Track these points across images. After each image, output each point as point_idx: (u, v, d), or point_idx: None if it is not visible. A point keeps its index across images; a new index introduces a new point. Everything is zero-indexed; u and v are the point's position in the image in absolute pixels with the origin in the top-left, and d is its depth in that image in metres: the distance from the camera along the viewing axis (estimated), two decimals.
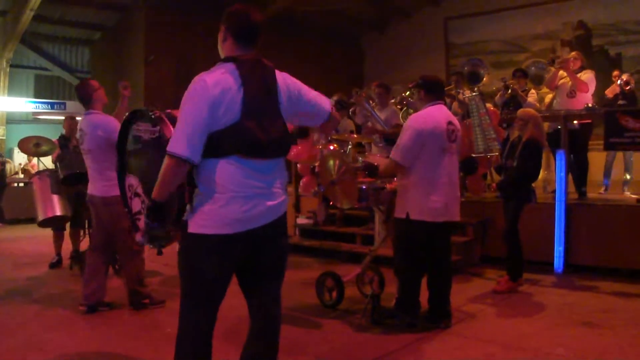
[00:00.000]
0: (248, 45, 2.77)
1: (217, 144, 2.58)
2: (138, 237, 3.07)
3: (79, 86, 5.66)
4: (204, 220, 2.63)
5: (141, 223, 3.04)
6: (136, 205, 3.17)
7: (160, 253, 2.93)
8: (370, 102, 7.63)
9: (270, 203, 2.72)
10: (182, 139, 2.53)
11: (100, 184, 5.32)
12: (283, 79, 2.84)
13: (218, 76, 2.61)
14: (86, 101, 5.45)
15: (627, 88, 8.91)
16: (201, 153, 2.56)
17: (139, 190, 3.13)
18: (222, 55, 2.80)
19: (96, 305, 5.43)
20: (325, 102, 3.04)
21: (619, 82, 9.03)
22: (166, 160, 2.56)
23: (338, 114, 3.18)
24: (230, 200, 2.61)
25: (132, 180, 3.25)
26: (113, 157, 5.03)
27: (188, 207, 2.71)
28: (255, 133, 2.60)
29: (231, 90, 2.58)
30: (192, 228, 2.66)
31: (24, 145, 7.92)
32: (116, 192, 5.07)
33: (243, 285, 2.89)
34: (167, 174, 2.57)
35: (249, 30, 2.78)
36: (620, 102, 8.89)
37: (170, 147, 2.55)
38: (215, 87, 2.55)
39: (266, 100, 2.70)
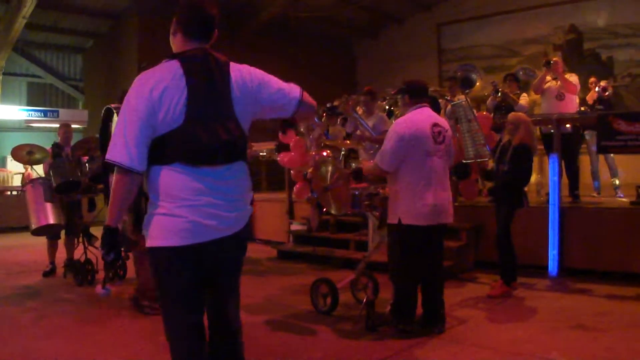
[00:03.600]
0: (199, 41, 2.58)
1: (160, 150, 2.42)
2: (98, 289, 3.03)
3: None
4: (155, 231, 2.49)
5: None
6: None
7: (126, 257, 2.88)
8: (358, 109, 7.65)
9: (226, 214, 2.53)
10: (120, 147, 2.36)
11: None
12: (239, 71, 2.63)
13: (158, 76, 2.44)
14: None
15: (606, 94, 8.97)
16: (145, 159, 2.40)
17: None
18: (173, 49, 2.62)
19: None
20: (294, 91, 2.79)
21: (597, 89, 9.09)
22: (114, 175, 2.41)
23: (313, 101, 2.95)
24: (176, 209, 2.43)
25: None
26: None
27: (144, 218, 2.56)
28: (200, 138, 2.41)
29: (173, 91, 2.40)
30: (148, 241, 2.53)
31: (16, 154, 7.88)
32: None
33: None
34: (116, 188, 2.40)
35: (202, 24, 2.59)
36: (598, 107, 8.95)
37: (108, 155, 2.39)
38: (154, 88, 2.38)
39: (214, 99, 2.49)
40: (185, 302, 2.59)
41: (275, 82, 2.75)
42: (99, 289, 2.96)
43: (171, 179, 2.44)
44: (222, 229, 2.53)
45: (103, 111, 3.35)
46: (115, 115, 3.15)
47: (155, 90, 2.38)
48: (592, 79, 9.50)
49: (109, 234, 2.47)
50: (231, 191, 2.55)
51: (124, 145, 2.36)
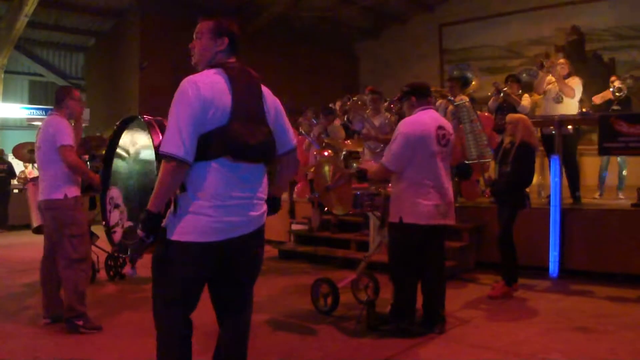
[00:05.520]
0: (235, 55, 2.89)
1: (205, 147, 2.59)
2: (127, 269, 3.03)
3: (60, 88, 5.48)
4: (185, 227, 2.63)
5: (117, 236, 3.02)
6: (114, 217, 3.16)
7: (132, 261, 2.91)
8: (364, 108, 7.66)
9: (252, 213, 2.75)
10: (175, 139, 2.53)
11: (42, 186, 5.10)
12: (269, 92, 2.92)
13: (209, 78, 2.67)
14: (57, 101, 5.26)
15: (619, 94, 8.94)
16: (194, 153, 2.56)
17: (119, 201, 3.13)
18: (204, 59, 2.85)
19: (60, 316, 5.14)
20: (293, 136, 3.09)
21: (611, 89, 9.06)
22: (163, 165, 2.55)
23: (299, 160, 3.21)
24: (212, 207, 2.62)
25: (114, 192, 3.25)
26: (58, 158, 4.89)
27: (168, 212, 2.71)
28: (243, 136, 2.63)
29: (221, 92, 2.63)
30: (172, 235, 2.65)
31: (18, 152, 7.88)
32: (57, 195, 4.93)
33: (213, 293, 2.90)
34: (165, 178, 2.55)
35: (238, 42, 2.91)
36: (615, 107, 8.93)
37: (164, 148, 2.54)
38: (206, 88, 2.60)
39: (252, 105, 2.75)
40: (188, 298, 2.76)
41: (287, 120, 3.03)
42: (127, 269, 2.97)
43: (208, 176, 2.63)
44: (246, 226, 2.73)
45: (121, 120, 3.34)
46: (138, 123, 3.18)
47: (207, 91, 2.60)
48: (613, 78, 9.46)
49: (152, 218, 2.61)
50: (257, 189, 2.80)
51: (179, 139, 2.53)
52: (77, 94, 5.41)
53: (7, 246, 10.92)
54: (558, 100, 8.19)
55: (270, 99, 2.90)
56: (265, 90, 2.89)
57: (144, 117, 3.05)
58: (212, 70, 2.73)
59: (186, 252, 2.64)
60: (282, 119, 2.97)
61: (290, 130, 3.05)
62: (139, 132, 3.11)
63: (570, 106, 8.15)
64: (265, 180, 2.87)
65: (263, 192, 2.83)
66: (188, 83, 2.62)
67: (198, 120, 2.55)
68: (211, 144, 2.59)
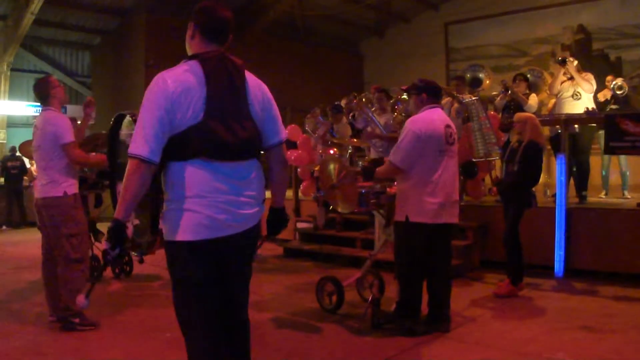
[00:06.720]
0: (216, 43, 2.67)
1: (181, 146, 2.47)
2: (80, 299, 2.75)
3: (37, 83, 5.30)
4: (172, 226, 2.54)
5: (128, 231, 2.97)
6: None
7: (141, 261, 2.85)
8: (370, 106, 7.65)
9: (240, 211, 2.58)
10: (140, 140, 2.42)
11: (40, 184, 5.02)
12: (257, 82, 2.75)
13: (179, 74, 2.52)
14: (43, 98, 5.14)
15: (620, 92, 8.91)
16: (160, 153, 2.45)
17: None
18: (189, 52, 2.71)
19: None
20: (284, 130, 2.90)
21: (612, 86, 9.03)
22: (128, 166, 2.44)
23: (287, 155, 3.03)
24: (196, 205, 2.49)
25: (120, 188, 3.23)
26: (59, 156, 4.84)
27: (161, 214, 2.62)
28: (220, 134, 2.49)
29: (193, 89, 2.48)
30: (166, 236, 2.58)
31: (24, 149, 7.90)
32: (57, 192, 4.86)
33: None
34: (130, 179, 2.43)
35: (218, 27, 2.69)
36: (613, 106, 8.89)
37: (130, 149, 2.44)
38: (174, 86, 2.46)
39: (232, 99, 2.58)
40: (201, 296, 2.59)
41: (277, 110, 2.85)
42: (81, 299, 2.67)
43: (189, 175, 2.50)
44: (236, 225, 2.58)
45: (114, 118, 3.36)
46: (127, 119, 3.18)
47: (176, 88, 2.45)
48: (609, 77, 9.46)
49: (118, 228, 2.46)
50: (246, 188, 2.62)
51: (144, 140, 2.42)
52: (54, 80, 5.32)
53: (14, 243, 10.97)
54: (577, 97, 8.18)
55: (256, 88, 2.72)
56: (250, 78, 2.71)
57: (135, 116, 3.02)
58: (186, 65, 2.58)
59: (179, 252, 2.55)
60: (270, 109, 2.78)
61: (279, 122, 2.86)
62: (129, 127, 3.11)
63: (587, 103, 8.14)
64: (255, 177, 2.67)
65: (253, 189, 2.65)
66: (156, 81, 2.50)
67: (165, 119, 2.43)
68: (187, 143, 2.47)
